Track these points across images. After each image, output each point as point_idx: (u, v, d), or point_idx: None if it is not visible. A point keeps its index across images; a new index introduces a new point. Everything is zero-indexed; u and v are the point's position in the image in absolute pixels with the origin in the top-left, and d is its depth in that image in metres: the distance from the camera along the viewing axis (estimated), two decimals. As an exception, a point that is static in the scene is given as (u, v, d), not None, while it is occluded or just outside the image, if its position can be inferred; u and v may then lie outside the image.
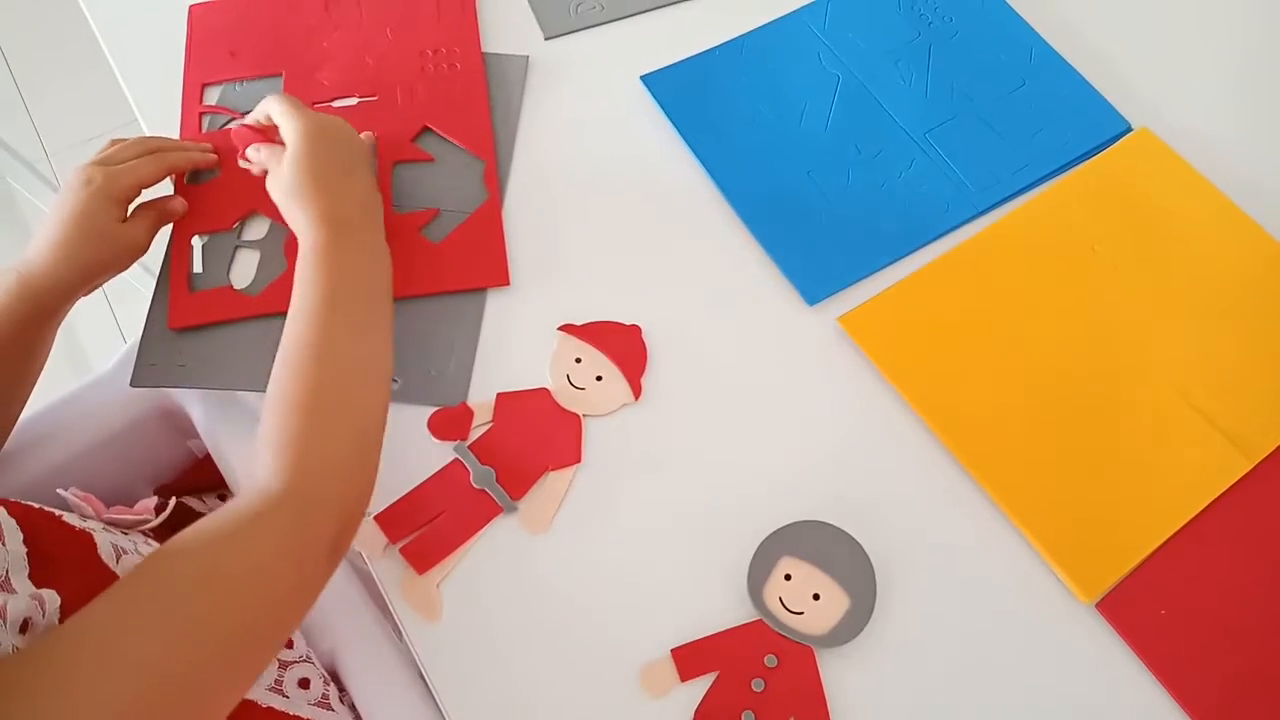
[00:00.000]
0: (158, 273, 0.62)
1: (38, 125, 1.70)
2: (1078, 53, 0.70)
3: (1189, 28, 0.73)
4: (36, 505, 0.49)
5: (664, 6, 0.74)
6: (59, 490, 0.54)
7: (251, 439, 0.60)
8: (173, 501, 0.57)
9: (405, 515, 0.55)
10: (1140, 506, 0.54)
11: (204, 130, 0.68)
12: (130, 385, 0.59)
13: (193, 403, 0.63)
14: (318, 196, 0.54)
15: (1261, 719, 0.49)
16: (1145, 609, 0.52)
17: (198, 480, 0.66)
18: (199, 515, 0.64)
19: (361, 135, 0.62)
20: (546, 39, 0.73)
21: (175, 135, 0.68)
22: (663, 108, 0.69)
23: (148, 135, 0.63)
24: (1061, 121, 0.67)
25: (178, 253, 0.63)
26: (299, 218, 0.54)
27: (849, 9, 0.73)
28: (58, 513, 0.49)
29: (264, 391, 0.48)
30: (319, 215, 0.54)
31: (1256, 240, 0.63)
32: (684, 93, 0.69)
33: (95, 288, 0.58)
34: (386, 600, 0.54)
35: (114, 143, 0.61)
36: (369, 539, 0.54)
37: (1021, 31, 0.71)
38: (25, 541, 0.45)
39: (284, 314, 0.51)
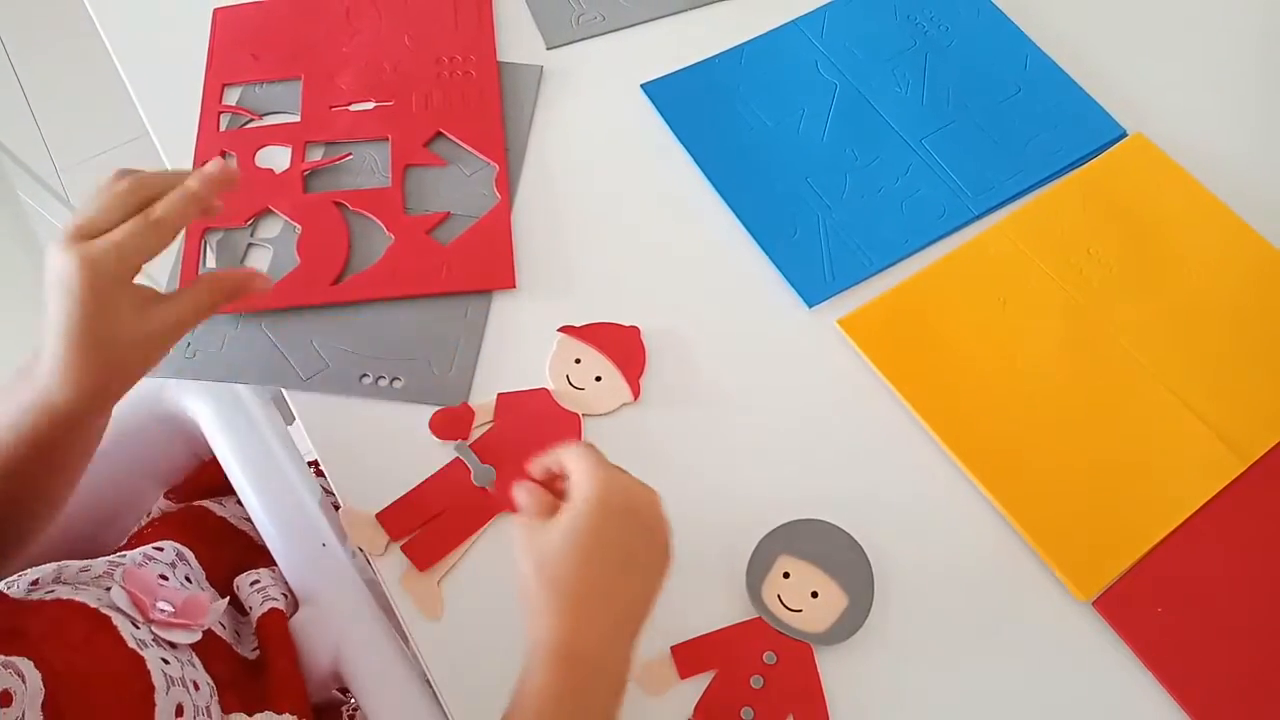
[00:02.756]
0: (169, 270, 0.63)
1: (47, 141, 1.72)
2: (1073, 60, 0.71)
3: (1184, 34, 0.74)
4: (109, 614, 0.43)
5: (664, 16, 0.75)
6: (109, 593, 0.46)
7: (254, 440, 0.61)
8: (224, 602, 0.52)
9: (407, 513, 0.55)
10: (1136, 505, 0.55)
11: (221, 130, 0.69)
12: None
13: (197, 407, 0.63)
14: (564, 608, 0.43)
15: (1256, 715, 0.49)
16: (1141, 607, 0.52)
17: (207, 481, 0.66)
18: (220, 520, 0.65)
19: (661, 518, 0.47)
20: (549, 48, 0.74)
21: (190, 144, 0.68)
22: (663, 115, 0.70)
23: (130, 176, 0.46)
24: (1057, 127, 0.68)
25: (190, 248, 0.64)
26: (533, 617, 0.44)
27: (846, 18, 0.74)
28: (114, 620, 0.43)
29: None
30: (552, 642, 0.43)
31: (1250, 243, 0.63)
32: (684, 100, 0.70)
33: (118, 398, 0.48)
34: (389, 597, 0.54)
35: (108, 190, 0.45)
36: (371, 537, 0.55)
37: (1016, 39, 0.72)
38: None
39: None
